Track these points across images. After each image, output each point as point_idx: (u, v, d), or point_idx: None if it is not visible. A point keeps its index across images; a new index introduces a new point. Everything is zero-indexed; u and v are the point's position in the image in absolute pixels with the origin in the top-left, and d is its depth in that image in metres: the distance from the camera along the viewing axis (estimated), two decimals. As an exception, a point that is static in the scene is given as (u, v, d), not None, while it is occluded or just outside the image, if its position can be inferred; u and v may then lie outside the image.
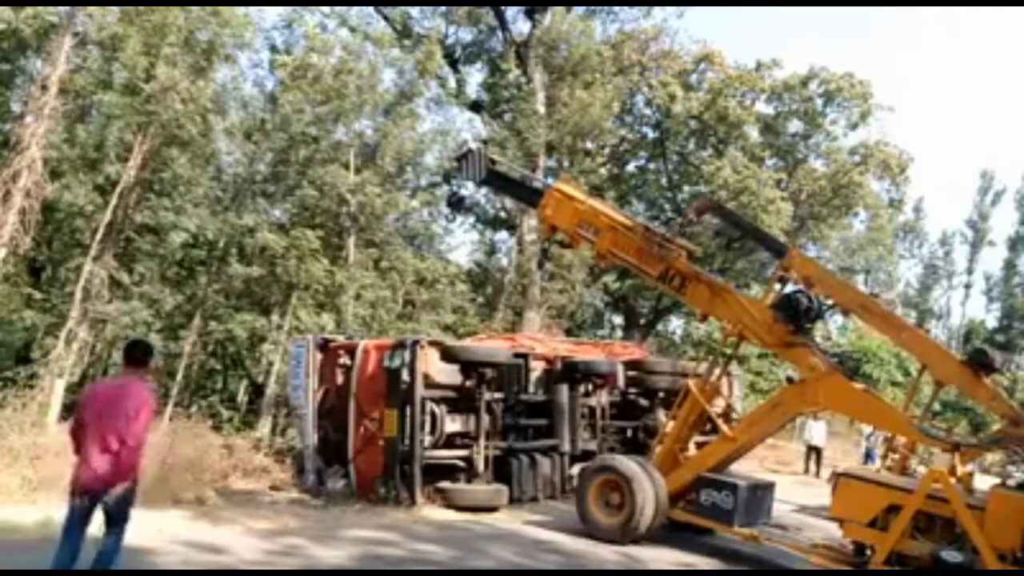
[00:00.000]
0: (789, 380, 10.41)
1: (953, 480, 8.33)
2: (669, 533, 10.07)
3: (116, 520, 5.73)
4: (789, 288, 9.95)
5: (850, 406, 9.72)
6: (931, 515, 8.37)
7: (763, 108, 28.32)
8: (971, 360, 9.14)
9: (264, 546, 8.39)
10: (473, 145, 12.04)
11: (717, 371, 10.56)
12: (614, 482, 9.93)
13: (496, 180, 12.08)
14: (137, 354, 5.95)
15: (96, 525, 5.76)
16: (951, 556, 7.98)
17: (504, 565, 8.73)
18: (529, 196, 11.96)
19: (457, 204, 14.11)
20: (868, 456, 20.12)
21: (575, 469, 12.00)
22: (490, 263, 25.22)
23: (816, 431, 19.82)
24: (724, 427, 9.93)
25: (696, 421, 10.35)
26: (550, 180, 13.07)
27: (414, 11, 24.99)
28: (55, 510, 8.76)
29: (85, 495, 5.59)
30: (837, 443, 22.12)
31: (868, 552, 8.77)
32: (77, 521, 5.63)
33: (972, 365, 9.04)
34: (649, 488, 9.69)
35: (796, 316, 9.43)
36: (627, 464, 9.97)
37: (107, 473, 5.51)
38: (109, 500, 5.58)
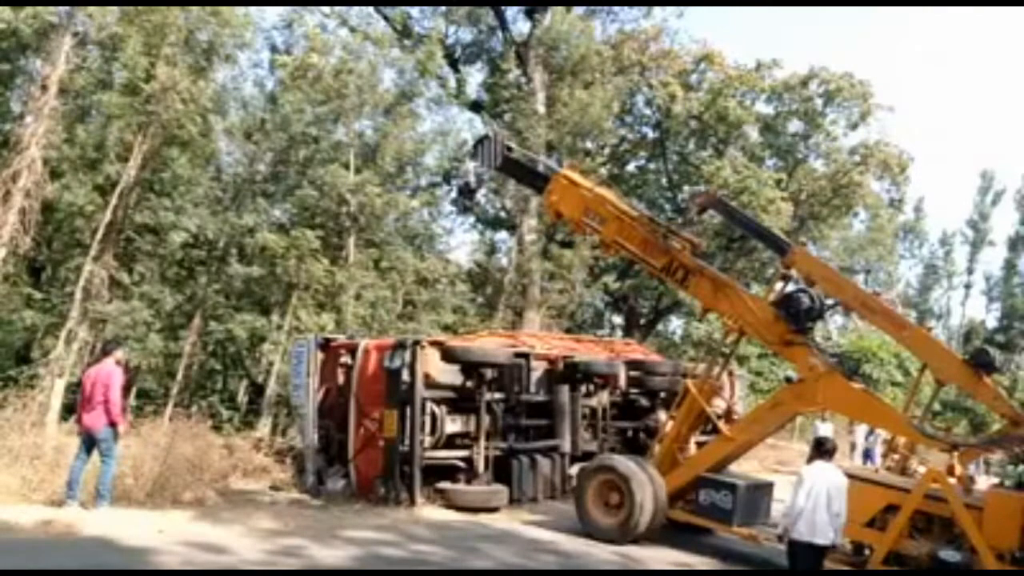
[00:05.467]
0: (788, 380, 10.41)
1: (952, 480, 8.34)
2: (667, 533, 10.07)
3: (105, 451, 9.21)
4: (792, 287, 9.95)
5: (849, 406, 9.72)
6: (929, 515, 8.38)
7: (763, 108, 28.32)
8: (972, 359, 9.13)
9: (264, 546, 8.39)
10: (491, 131, 11.96)
11: (717, 370, 10.56)
12: (613, 482, 9.93)
13: (510, 166, 11.96)
14: (104, 349, 10.42)
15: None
16: (949, 556, 8.00)
17: (503, 565, 8.73)
18: (537, 182, 11.85)
19: (470, 193, 14.10)
20: (867, 456, 20.14)
21: (574, 469, 12.00)
22: (490, 263, 25.18)
23: (823, 432, 19.81)
24: (723, 427, 9.93)
25: (695, 421, 10.36)
26: (555, 162, 12.84)
27: (414, 11, 25.00)
28: (55, 510, 8.84)
29: (85, 432, 9.30)
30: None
31: (867, 552, 8.77)
32: (84, 446, 9.31)
33: (973, 364, 9.04)
34: (648, 488, 9.69)
35: (797, 315, 9.43)
36: (626, 464, 9.97)
37: (93, 420, 9.21)
38: (98, 436, 9.17)
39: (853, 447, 20.68)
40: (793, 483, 7.27)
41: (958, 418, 30.14)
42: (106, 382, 9.22)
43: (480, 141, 11.78)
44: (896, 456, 10.48)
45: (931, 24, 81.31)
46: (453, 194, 24.88)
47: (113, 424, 9.19)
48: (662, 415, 13.80)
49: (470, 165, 12.10)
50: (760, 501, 10.09)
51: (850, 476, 9.01)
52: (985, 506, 8.05)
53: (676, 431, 10.31)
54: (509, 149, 11.66)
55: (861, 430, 20.52)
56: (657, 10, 27.21)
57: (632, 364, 14.39)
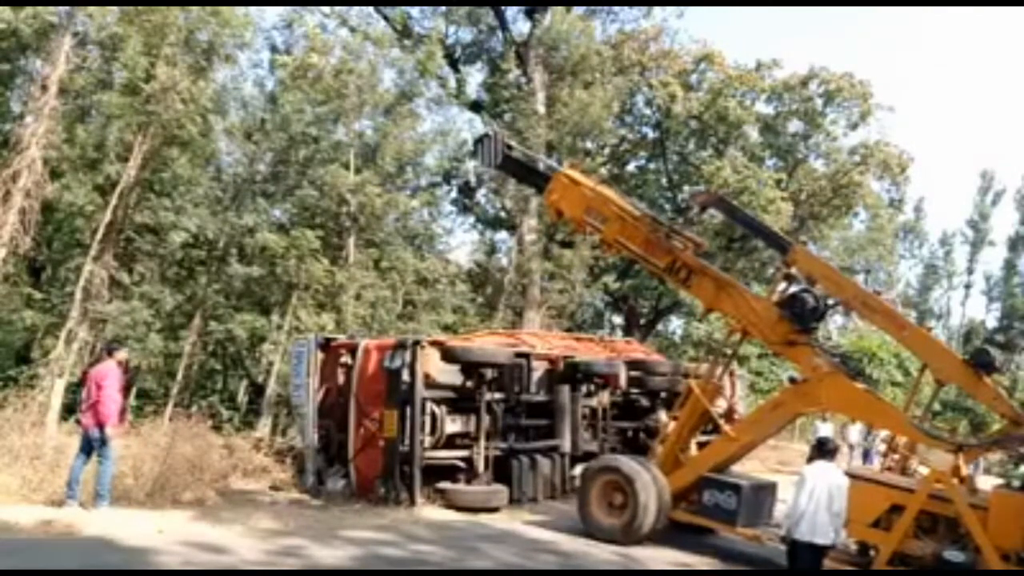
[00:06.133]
0: (792, 380, 10.37)
1: (956, 481, 8.31)
2: (668, 533, 10.05)
3: (102, 451, 9.21)
4: (795, 287, 9.91)
5: (852, 406, 9.66)
6: (934, 515, 8.35)
7: (763, 108, 28.30)
8: (973, 359, 9.11)
9: (264, 546, 8.39)
10: (490, 129, 11.92)
11: (719, 371, 10.52)
12: (617, 483, 9.87)
13: (511, 165, 11.86)
14: (105, 350, 10.26)
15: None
16: (954, 556, 7.97)
17: (503, 565, 8.73)
18: (537, 180, 11.76)
19: (471, 192, 14.07)
20: (866, 456, 20.12)
21: (577, 470, 11.97)
22: (490, 263, 25.18)
23: (823, 432, 19.81)
24: (726, 427, 9.89)
25: (698, 421, 10.32)
26: (555, 162, 12.71)
27: (414, 11, 24.99)
28: (55, 510, 8.84)
29: (85, 430, 9.36)
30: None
31: (872, 552, 8.74)
32: (84, 445, 9.36)
33: (973, 364, 9.01)
34: (652, 489, 9.64)
35: (802, 315, 9.38)
36: (630, 465, 9.91)
37: (91, 419, 9.26)
38: (92, 436, 9.23)
39: (851, 448, 20.67)
40: (795, 483, 7.28)
41: (958, 418, 30.12)
42: (99, 382, 9.25)
43: (480, 140, 11.74)
44: (895, 456, 10.47)
45: (931, 24, 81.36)
46: (453, 194, 24.92)
47: (101, 424, 9.16)
48: (662, 415, 13.80)
49: (471, 164, 12.09)
50: (764, 501, 10.05)
51: (855, 477, 8.96)
52: (990, 506, 8.02)
53: (679, 432, 10.26)
54: (509, 148, 11.59)
55: (855, 430, 20.50)
56: (657, 10, 27.26)
57: (633, 364, 14.37)
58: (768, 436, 10.67)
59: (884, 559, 8.41)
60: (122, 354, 9.99)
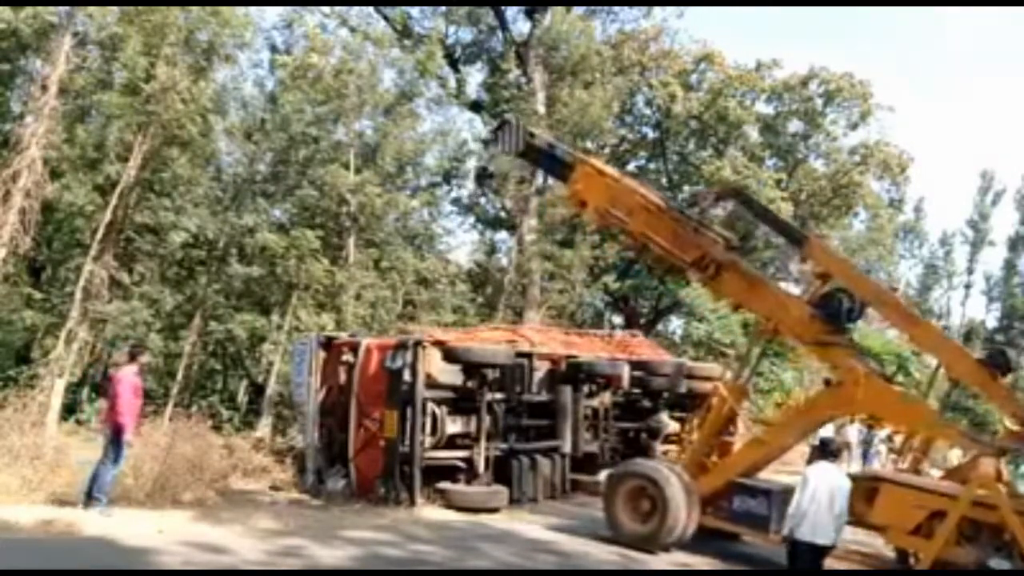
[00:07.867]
0: (827, 382, 10.11)
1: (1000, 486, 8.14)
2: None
3: (114, 449, 9.25)
4: (821, 288, 9.67)
5: (890, 409, 9.27)
6: (977, 521, 8.07)
7: (763, 108, 28.36)
8: (988, 360, 8.93)
9: (264, 546, 8.37)
10: (511, 117, 11.70)
11: (747, 372, 10.26)
12: (644, 488, 9.57)
13: (532, 152, 11.21)
14: (128, 353, 10.21)
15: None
16: (999, 564, 7.75)
17: (503, 565, 8.72)
18: (559, 169, 11.14)
19: (488, 179, 13.76)
20: (866, 457, 20.05)
21: (602, 475, 11.79)
22: (490, 263, 25.19)
23: (824, 432, 19.70)
24: (757, 431, 9.72)
25: (723, 424, 10.12)
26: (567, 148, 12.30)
27: (414, 11, 25.04)
28: (55, 510, 8.83)
29: (104, 431, 9.56)
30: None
31: (912, 559, 8.55)
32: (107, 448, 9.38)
33: (989, 364, 8.84)
34: (683, 496, 9.36)
35: (836, 315, 9.13)
36: (660, 471, 9.62)
37: (106, 421, 9.46)
38: (105, 436, 9.40)
39: (849, 448, 20.58)
40: (798, 484, 7.27)
41: (958, 418, 30.07)
42: (114, 387, 9.39)
43: (500, 127, 11.15)
44: (896, 456, 10.38)
45: (931, 24, 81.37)
46: (454, 193, 24.91)
47: (116, 430, 9.15)
48: (664, 415, 13.77)
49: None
50: None
51: (894, 482, 8.69)
52: None
53: (705, 436, 10.00)
54: (531, 135, 11.06)
55: (854, 429, 20.40)
56: (657, 10, 27.33)
57: (635, 364, 14.29)
58: (800, 439, 10.35)
59: (926, 567, 8.17)
60: (143, 358, 10.05)
